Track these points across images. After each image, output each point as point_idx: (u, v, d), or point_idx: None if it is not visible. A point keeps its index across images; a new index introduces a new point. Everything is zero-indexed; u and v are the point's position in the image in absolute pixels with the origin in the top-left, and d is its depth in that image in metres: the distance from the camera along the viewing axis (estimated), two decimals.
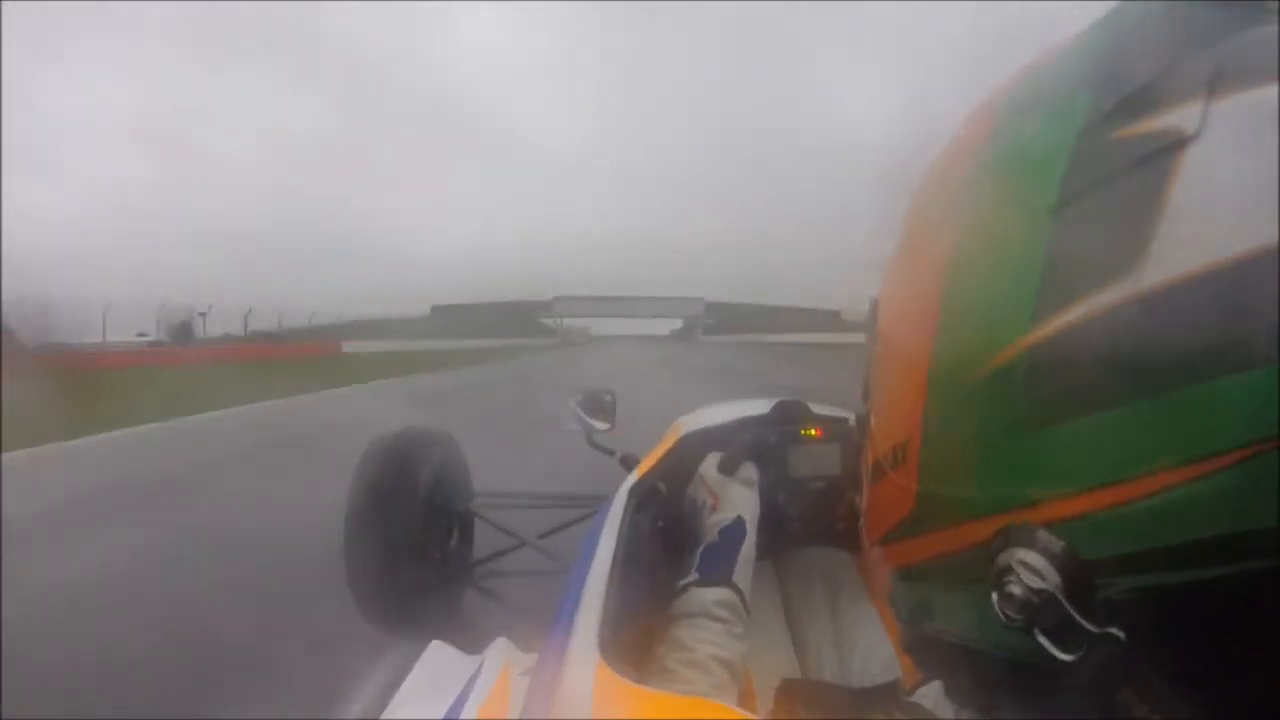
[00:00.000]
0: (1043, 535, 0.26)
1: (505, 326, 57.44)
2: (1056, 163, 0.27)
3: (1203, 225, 0.22)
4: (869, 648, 0.62)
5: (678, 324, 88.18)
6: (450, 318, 64.43)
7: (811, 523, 0.81)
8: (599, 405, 1.57)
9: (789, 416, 0.90)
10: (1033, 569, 0.26)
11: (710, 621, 0.55)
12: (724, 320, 73.77)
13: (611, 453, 1.57)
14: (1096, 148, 0.26)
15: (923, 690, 0.43)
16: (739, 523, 0.63)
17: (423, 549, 1.65)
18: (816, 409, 0.93)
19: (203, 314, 26.00)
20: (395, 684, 0.57)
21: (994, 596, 0.28)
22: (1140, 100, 0.25)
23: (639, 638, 0.56)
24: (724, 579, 0.58)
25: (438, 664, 0.61)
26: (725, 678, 0.52)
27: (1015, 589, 0.27)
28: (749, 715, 0.36)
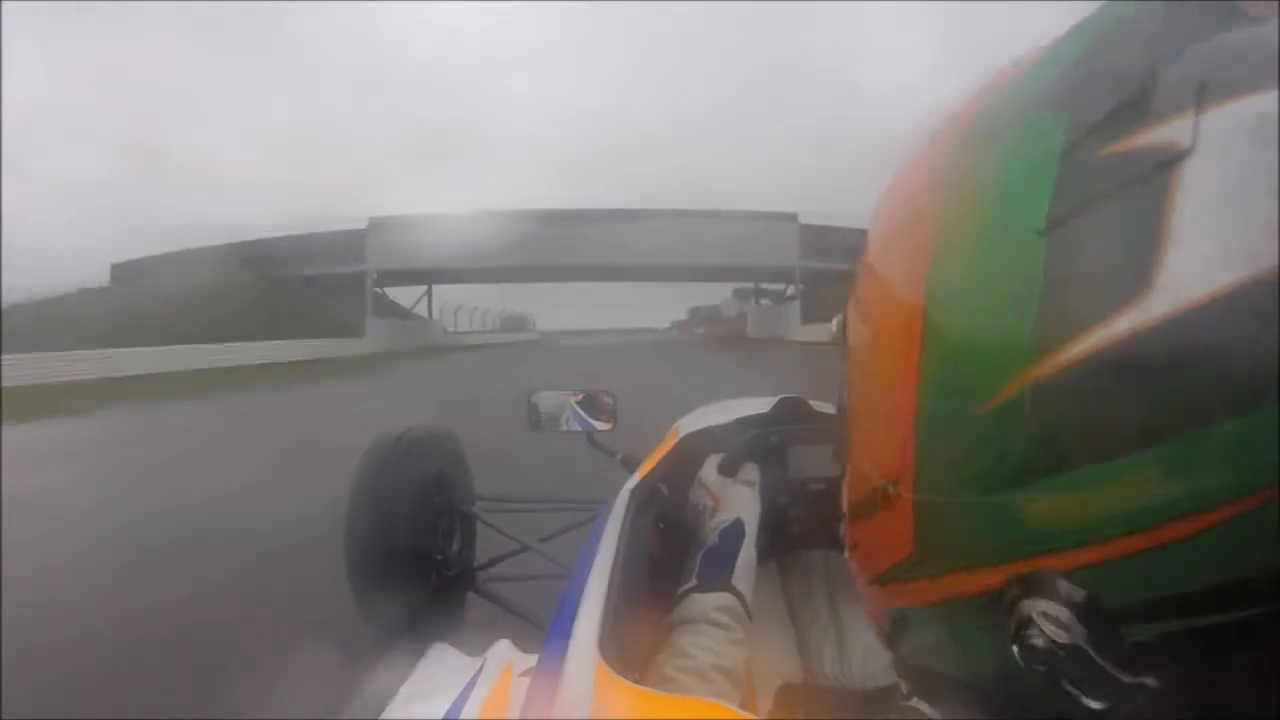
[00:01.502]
0: (1064, 585, 0.25)
1: (264, 314, 21.84)
2: (1041, 183, 0.25)
3: (1213, 244, 0.21)
4: (869, 648, 0.62)
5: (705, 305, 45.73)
6: (141, 289, 22.56)
7: (814, 524, 0.81)
8: (600, 406, 1.57)
9: (790, 415, 0.90)
10: (1055, 620, 0.24)
11: (710, 627, 0.55)
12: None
13: (613, 454, 1.58)
14: (1083, 166, 0.24)
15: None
16: (738, 525, 0.63)
17: (425, 551, 1.65)
18: (818, 407, 0.93)
19: None
20: (397, 685, 0.58)
21: (1014, 648, 0.26)
22: (1125, 114, 0.24)
23: (640, 640, 0.56)
24: (723, 583, 0.58)
25: (440, 665, 0.61)
26: (726, 685, 0.52)
27: (1037, 641, 0.25)
28: (749, 716, 0.36)
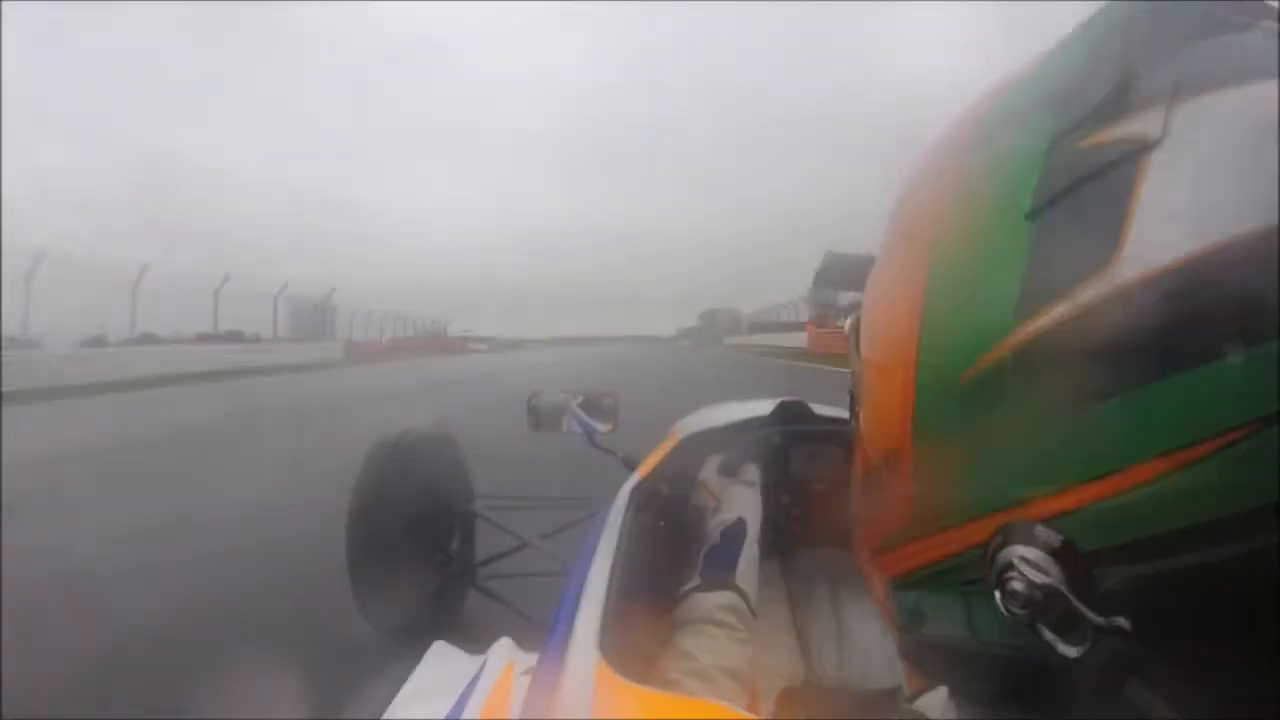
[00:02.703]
0: (1041, 530, 0.27)
1: None
2: (1030, 171, 0.28)
3: (1172, 223, 0.24)
4: (870, 647, 0.62)
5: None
6: None
7: (815, 522, 0.81)
8: (600, 407, 1.58)
9: (790, 417, 0.90)
10: (1034, 564, 0.27)
11: (714, 628, 0.55)
12: None
13: (614, 454, 1.58)
14: (1067, 156, 0.27)
15: (924, 698, 0.43)
16: (740, 523, 0.63)
17: (425, 551, 1.66)
18: (819, 409, 0.93)
19: None
20: (398, 684, 0.58)
21: (997, 594, 0.28)
22: (1106, 110, 0.27)
23: (641, 639, 0.56)
24: (726, 582, 0.58)
25: (440, 664, 0.61)
26: (731, 686, 0.51)
27: (1018, 585, 0.27)
28: (750, 717, 0.36)
